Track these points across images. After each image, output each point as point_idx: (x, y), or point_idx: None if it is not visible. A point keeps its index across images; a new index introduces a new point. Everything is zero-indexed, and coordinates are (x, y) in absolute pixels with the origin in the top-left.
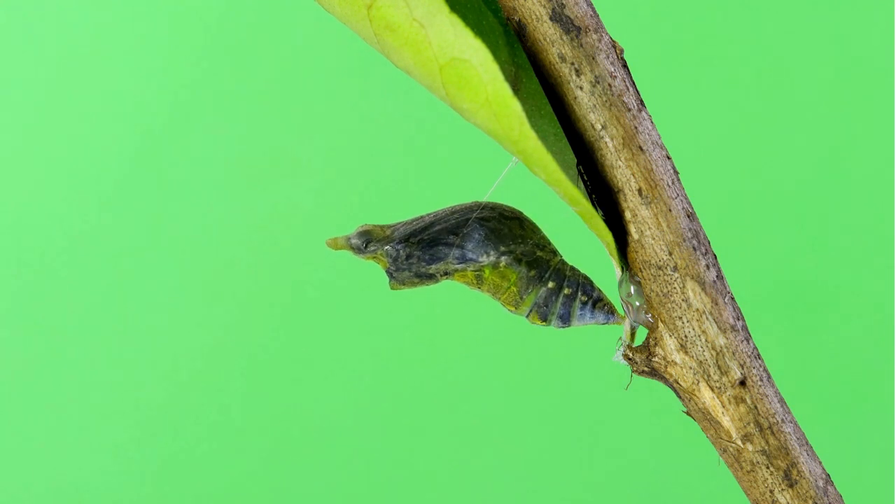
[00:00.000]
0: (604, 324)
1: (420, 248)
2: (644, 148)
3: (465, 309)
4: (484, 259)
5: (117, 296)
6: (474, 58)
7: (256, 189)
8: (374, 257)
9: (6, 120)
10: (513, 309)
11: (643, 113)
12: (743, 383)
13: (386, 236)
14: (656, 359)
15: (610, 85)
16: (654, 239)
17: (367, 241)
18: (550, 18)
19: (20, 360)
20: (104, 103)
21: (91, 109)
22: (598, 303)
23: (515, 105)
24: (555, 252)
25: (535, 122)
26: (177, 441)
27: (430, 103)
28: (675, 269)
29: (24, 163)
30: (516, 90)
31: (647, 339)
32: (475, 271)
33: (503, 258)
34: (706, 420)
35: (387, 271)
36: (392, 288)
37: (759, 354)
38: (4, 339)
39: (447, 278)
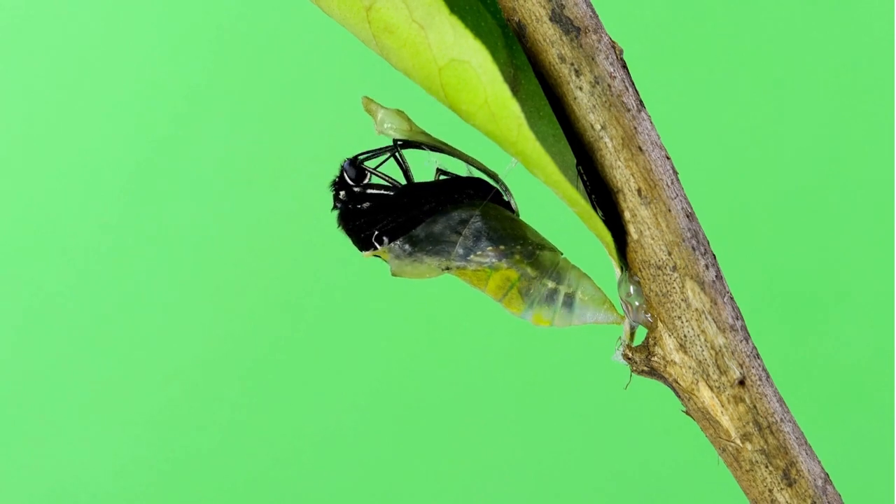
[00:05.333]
0: (603, 323)
1: (422, 249)
2: (643, 148)
3: (464, 308)
4: (485, 259)
5: (120, 297)
6: (473, 59)
7: (257, 190)
8: (377, 254)
9: (9, 122)
10: (514, 310)
11: (643, 113)
12: (742, 383)
13: (406, 139)
14: (655, 358)
15: (609, 85)
16: (653, 239)
17: (398, 134)
18: (550, 19)
19: (25, 363)
20: (105, 106)
21: (92, 113)
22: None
23: (514, 106)
24: (555, 251)
25: (533, 123)
26: (180, 443)
27: (429, 104)
28: (675, 268)
29: (25, 165)
30: (515, 91)
31: (647, 338)
32: (476, 270)
33: (504, 259)
34: (705, 419)
35: (388, 260)
36: (393, 274)
37: (758, 354)
38: (8, 340)
39: (448, 272)
